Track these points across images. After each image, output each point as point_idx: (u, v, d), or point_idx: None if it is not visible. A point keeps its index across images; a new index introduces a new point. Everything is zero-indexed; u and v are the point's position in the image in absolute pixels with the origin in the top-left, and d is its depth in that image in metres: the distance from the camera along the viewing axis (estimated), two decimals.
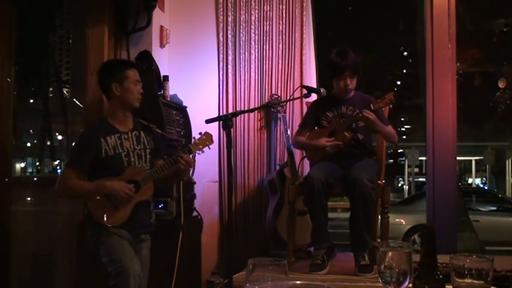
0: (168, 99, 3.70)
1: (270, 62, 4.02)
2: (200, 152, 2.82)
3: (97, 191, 2.68)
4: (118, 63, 3.07)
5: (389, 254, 1.25)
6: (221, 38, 4.08)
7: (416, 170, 18.24)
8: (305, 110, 3.79)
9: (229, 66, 4.06)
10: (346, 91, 3.28)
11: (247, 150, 4.01)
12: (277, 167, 3.89)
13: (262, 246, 3.90)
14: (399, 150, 18.43)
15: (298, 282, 0.95)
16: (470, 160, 18.67)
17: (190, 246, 3.43)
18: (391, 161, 19.27)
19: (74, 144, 3.01)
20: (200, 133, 2.82)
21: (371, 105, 3.15)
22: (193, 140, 2.82)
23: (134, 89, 2.80)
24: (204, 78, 4.15)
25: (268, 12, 4.03)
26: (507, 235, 8.46)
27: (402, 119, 17.57)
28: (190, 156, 2.78)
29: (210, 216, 4.03)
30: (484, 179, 19.51)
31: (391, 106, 3.36)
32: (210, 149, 2.84)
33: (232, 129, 2.75)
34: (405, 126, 18.44)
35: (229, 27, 4.07)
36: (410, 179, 18.57)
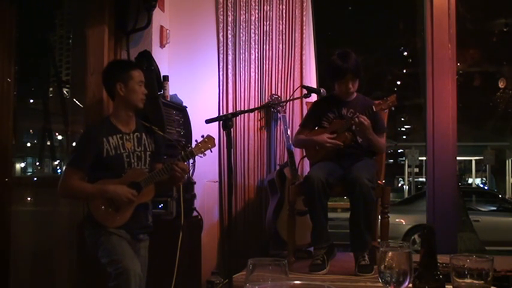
0: (168, 99, 3.70)
1: (270, 62, 4.02)
2: (202, 155, 2.82)
3: (99, 194, 2.68)
4: (123, 64, 3.08)
5: (390, 254, 1.25)
6: (221, 38, 4.08)
7: (416, 170, 18.26)
8: (305, 110, 3.80)
9: (229, 66, 4.06)
10: (348, 94, 3.29)
11: (247, 150, 4.01)
12: (277, 167, 3.89)
13: (262, 246, 3.90)
14: (399, 150, 18.45)
15: (298, 282, 0.95)
16: (470, 160, 18.67)
17: (190, 246, 3.43)
18: (391, 161, 19.30)
19: (75, 143, 3.00)
20: (202, 136, 2.82)
21: (373, 107, 3.15)
22: (194, 142, 2.81)
23: (139, 90, 2.81)
24: (204, 78, 4.15)
25: (268, 12, 4.03)
26: (507, 235, 8.46)
27: (402, 119, 17.58)
28: (191, 160, 2.78)
29: (210, 216, 4.03)
30: (484, 179, 19.52)
31: (393, 108, 3.36)
32: (211, 152, 2.84)
33: (232, 129, 2.75)
34: (405, 126, 18.47)
35: (229, 27, 4.07)
36: (410, 179, 18.58)
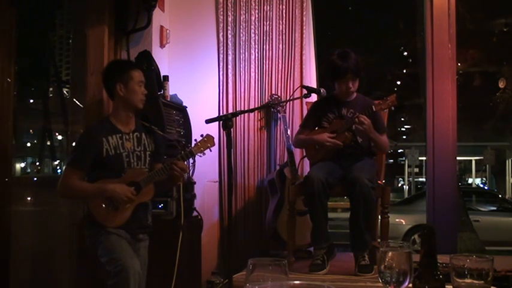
0: (168, 99, 3.70)
1: (270, 62, 4.02)
2: (201, 155, 2.82)
3: (99, 193, 2.69)
4: (123, 64, 3.08)
5: (390, 254, 1.25)
6: (221, 38, 4.08)
7: (416, 170, 18.26)
8: (305, 110, 3.80)
9: (229, 66, 4.06)
10: (348, 93, 3.29)
11: (247, 150, 4.01)
12: (277, 167, 3.89)
13: (262, 246, 3.90)
14: (399, 150, 18.45)
15: (298, 282, 0.95)
16: (470, 160, 18.68)
17: (190, 246, 3.43)
18: (391, 161, 19.28)
19: (75, 143, 3.00)
20: (202, 135, 2.82)
21: (373, 106, 3.15)
22: (194, 142, 2.81)
23: (138, 90, 2.81)
24: (204, 78, 4.15)
25: (268, 12, 4.03)
26: (507, 235, 8.46)
27: (402, 119, 17.58)
28: (191, 160, 2.78)
29: (210, 216, 4.03)
30: (484, 179, 19.53)
31: (392, 108, 3.36)
32: (211, 151, 2.84)
33: (232, 129, 2.75)
34: (405, 126, 18.46)
35: (229, 27, 4.07)
36: (410, 179, 18.58)
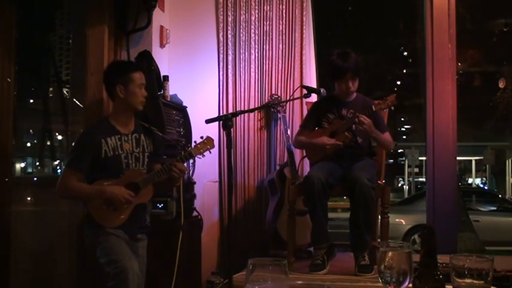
0: (168, 99, 3.70)
1: (270, 62, 4.02)
2: (201, 156, 2.82)
3: (97, 195, 2.69)
4: (124, 66, 3.05)
5: (390, 254, 1.25)
6: (221, 38, 4.08)
7: (416, 170, 18.27)
8: (305, 110, 3.80)
9: (229, 66, 4.06)
10: (348, 93, 3.29)
11: (247, 150, 4.01)
12: (277, 167, 3.89)
13: (262, 246, 3.90)
14: (399, 150, 18.46)
15: (298, 282, 0.95)
16: (470, 160, 18.68)
17: (190, 246, 3.43)
18: (391, 161, 19.29)
19: (74, 144, 3.00)
20: (201, 137, 2.82)
21: (372, 106, 3.16)
22: (194, 143, 2.81)
23: (139, 93, 2.80)
24: (204, 78, 4.15)
25: (268, 12, 4.03)
26: (507, 235, 8.47)
27: (402, 119, 17.59)
28: (191, 160, 2.78)
29: (210, 216, 4.03)
30: (484, 179, 19.54)
31: (392, 108, 3.36)
32: (210, 153, 2.84)
33: (232, 129, 2.75)
34: (405, 126, 18.47)
35: (229, 27, 4.07)
36: (410, 179, 18.58)
